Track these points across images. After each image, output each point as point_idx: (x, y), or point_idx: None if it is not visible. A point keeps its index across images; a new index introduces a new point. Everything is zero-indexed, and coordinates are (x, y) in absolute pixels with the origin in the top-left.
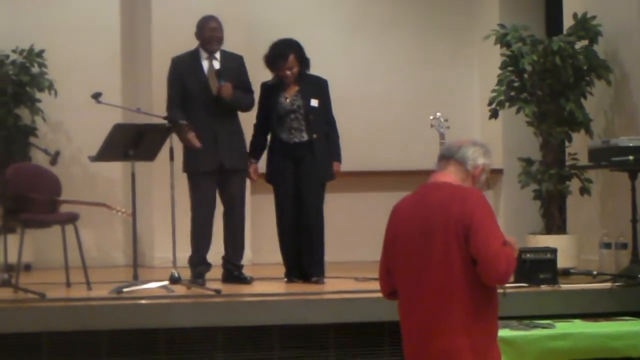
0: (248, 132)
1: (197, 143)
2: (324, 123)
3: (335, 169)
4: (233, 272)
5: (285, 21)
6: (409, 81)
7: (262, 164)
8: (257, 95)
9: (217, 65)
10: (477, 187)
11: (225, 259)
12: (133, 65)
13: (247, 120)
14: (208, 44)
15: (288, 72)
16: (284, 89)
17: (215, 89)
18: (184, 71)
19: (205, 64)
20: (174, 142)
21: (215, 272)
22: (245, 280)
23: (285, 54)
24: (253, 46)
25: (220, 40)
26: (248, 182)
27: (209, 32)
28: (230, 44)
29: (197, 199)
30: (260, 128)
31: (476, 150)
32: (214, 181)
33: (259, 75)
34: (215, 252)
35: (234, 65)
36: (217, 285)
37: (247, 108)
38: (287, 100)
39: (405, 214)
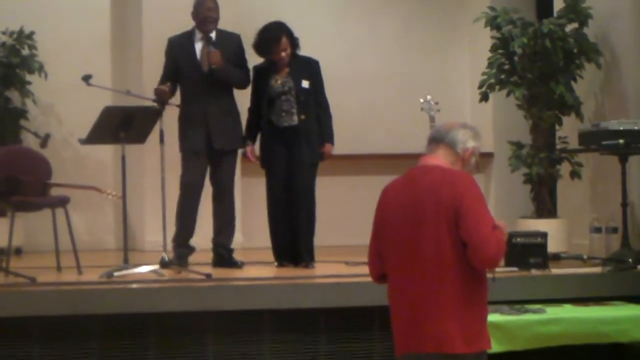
0: (245, 116)
1: (165, 89)
2: (315, 104)
3: (327, 150)
4: (224, 256)
5: (276, 2)
6: (400, 64)
7: (256, 148)
8: None
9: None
10: (467, 170)
11: (216, 242)
12: (123, 48)
13: (243, 105)
14: (203, 24)
15: (283, 54)
16: (275, 72)
17: (207, 62)
18: (177, 51)
19: (198, 45)
20: (164, 124)
21: (206, 257)
22: (235, 265)
23: (277, 36)
24: (243, 28)
25: (215, 21)
26: (239, 164)
27: (204, 12)
28: (221, 26)
29: (183, 178)
30: (254, 111)
31: (466, 133)
32: (204, 161)
33: (248, 57)
34: (205, 236)
35: (230, 44)
36: (208, 270)
37: (241, 83)
38: (278, 82)
39: (394, 197)
